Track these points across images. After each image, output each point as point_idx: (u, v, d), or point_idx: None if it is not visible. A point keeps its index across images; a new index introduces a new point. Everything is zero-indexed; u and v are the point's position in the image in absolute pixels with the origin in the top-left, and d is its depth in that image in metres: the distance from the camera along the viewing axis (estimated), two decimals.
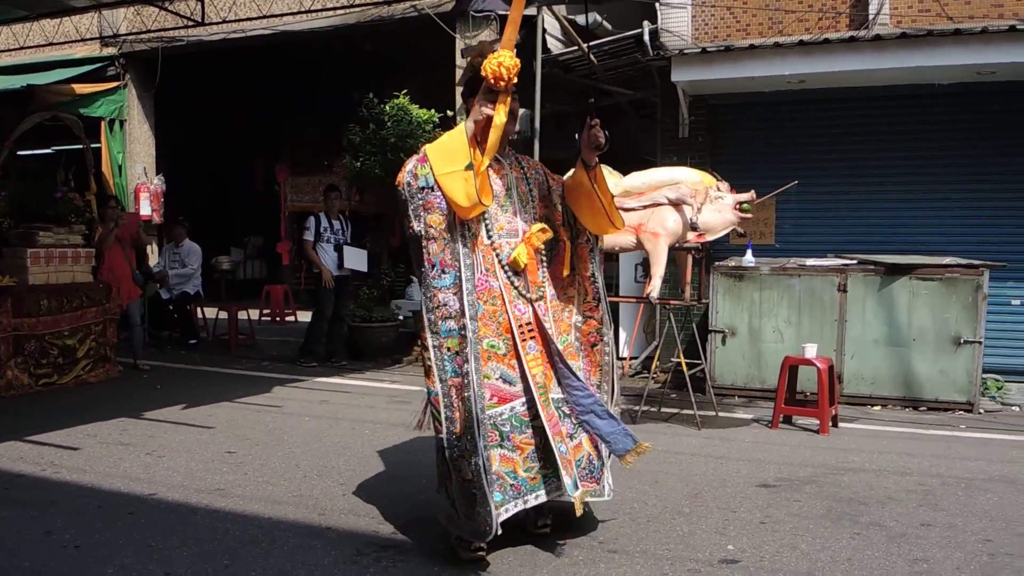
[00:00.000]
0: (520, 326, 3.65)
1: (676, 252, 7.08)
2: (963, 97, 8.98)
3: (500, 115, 3.56)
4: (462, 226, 3.56)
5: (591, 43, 9.39)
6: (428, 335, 3.58)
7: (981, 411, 7.67)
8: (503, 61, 3.52)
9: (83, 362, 8.36)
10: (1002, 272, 8.26)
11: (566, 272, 3.92)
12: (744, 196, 6.65)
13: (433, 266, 3.53)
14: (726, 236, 7.42)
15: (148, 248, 12.10)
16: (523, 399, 3.62)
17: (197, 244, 11.21)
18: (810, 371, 7.05)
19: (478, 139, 3.63)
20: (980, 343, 7.62)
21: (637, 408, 7.24)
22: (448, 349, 3.52)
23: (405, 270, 12.39)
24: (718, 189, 6.70)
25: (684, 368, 7.13)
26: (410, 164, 3.56)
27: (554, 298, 3.89)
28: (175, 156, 13.86)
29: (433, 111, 9.88)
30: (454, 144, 3.56)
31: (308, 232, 9.89)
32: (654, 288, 6.58)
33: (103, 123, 12.00)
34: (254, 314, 12.18)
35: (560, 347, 3.76)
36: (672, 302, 7.78)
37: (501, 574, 3.54)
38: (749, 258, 8.39)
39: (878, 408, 7.81)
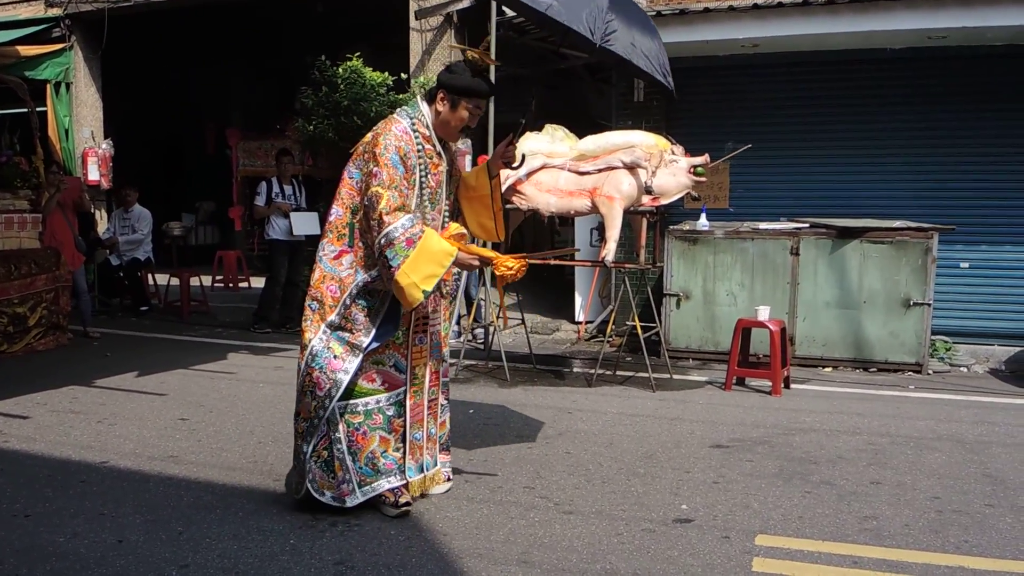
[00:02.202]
0: (417, 320, 3.87)
1: (631, 216, 7.10)
2: (914, 62, 9.07)
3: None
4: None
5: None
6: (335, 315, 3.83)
7: (930, 372, 7.85)
8: (512, 267, 3.87)
9: (34, 330, 8.18)
10: (951, 235, 8.41)
11: None
12: (698, 160, 6.67)
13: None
14: (681, 200, 7.46)
15: (97, 214, 11.83)
16: (404, 387, 3.87)
17: (147, 209, 10.99)
18: (763, 333, 7.15)
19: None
20: (929, 305, 7.78)
21: (593, 371, 7.30)
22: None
23: None
24: (672, 153, 6.71)
25: (639, 331, 7.19)
26: (393, 137, 3.71)
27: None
28: (124, 120, 13.51)
29: (387, 74, 9.73)
30: (432, 263, 3.63)
31: (259, 197, 9.78)
32: (609, 252, 6.59)
33: (49, 86, 11.62)
34: (207, 280, 12.00)
35: (439, 340, 4.09)
36: (627, 266, 7.81)
37: (457, 536, 3.56)
38: (703, 222, 8.45)
39: (829, 369, 7.96)
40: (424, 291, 3.55)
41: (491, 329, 8.11)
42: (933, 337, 8.19)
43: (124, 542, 3.47)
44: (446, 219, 3.96)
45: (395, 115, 3.84)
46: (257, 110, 15.44)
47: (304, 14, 11.94)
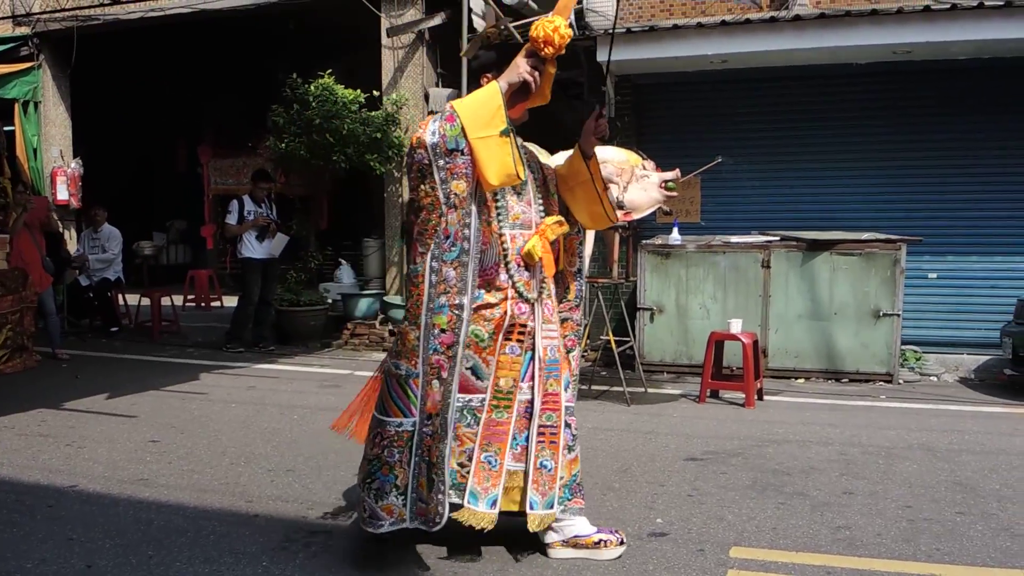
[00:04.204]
0: (512, 325, 3.36)
1: (603, 231, 7.12)
2: (879, 77, 9.22)
3: (540, 82, 3.30)
4: (479, 201, 3.26)
5: (517, 23, 9.34)
6: (423, 312, 3.24)
7: (900, 381, 7.94)
8: (559, 27, 3.19)
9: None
10: (919, 247, 8.52)
11: (562, 266, 3.68)
12: (669, 175, 6.67)
13: (447, 237, 3.18)
14: (652, 214, 7.48)
15: (67, 233, 11.71)
16: (483, 396, 3.35)
17: (117, 228, 10.89)
18: (736, 346, 7.19)
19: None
20: (899, 316, 7.87)
21: None
22: (435, 326, 3.22)
23: (333, 253, 12.23)
24: (644, 168, 6.71)
25: (613, 345, 7.21)
26: (434, 122, 3.15)
27: (552, 295, 3.58)
28: (93, 138, 13.39)
29: (359, 91, 9.74)
30: (487, 105, 3.16)
31: (231, 215, 9.73)
32: (583, 267, 6.60)
33: (17, 105, 11.51)
34: (178, 300, 11.91)
35: (557, 356, 3.48)
36: (600, 280, 7.84)
37: (432, 554, 3.54)
38: (675, 236, 8.50)
39: (802, 381, 8.02)
40: (502, 130, 3.11)
41: None
42: (903, 347, 8.29)
43: (93, 567, 3.42)
44: (541, 215, 3.49)
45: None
46: (229, 128, 15.36)
47: (276, 31, 11.93)
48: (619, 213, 6.67)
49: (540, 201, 3.52)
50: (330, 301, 10.84)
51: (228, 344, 9.72)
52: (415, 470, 3.26)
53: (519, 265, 3.36)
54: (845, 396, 7.31)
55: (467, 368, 3.33)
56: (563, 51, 3.22)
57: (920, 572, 3.38)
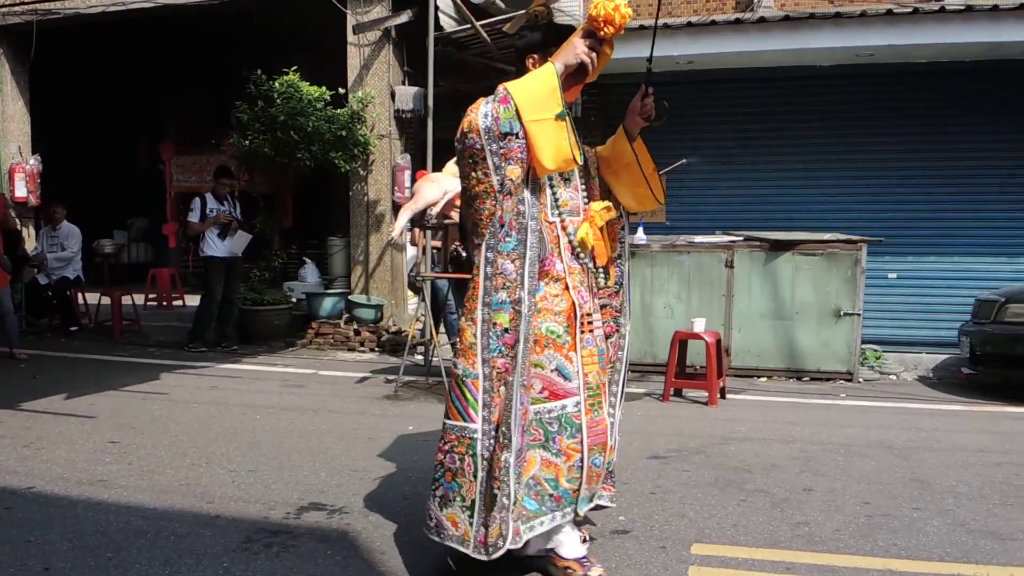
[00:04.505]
0: (582, 316, 3.19)
1: None
2: (842, 79, 9.35)
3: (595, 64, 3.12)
4: (531, 188, 3.10)
5: (483, 21, 9.34)
6: (478, 306, 3.06)
7: (860, 380, 8.05)
8: (619, 5, 3.01)
9: None
10: (879, 247, 8.65)
11: (611, 253, 3.45)
12: None
13: (502, 226, 3.01)
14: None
15: (25, 231, 11.51)
16: (577, 398, 3.13)
17: (76, 226, 10.73)
18: (699, 345, 7.25)
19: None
20: (859, 315, 7.98)
21: None
22: (496, 325, 3.03)
23: (298, 251, 12.15)
24: None
25: None
26: (486, 104, 2.99)
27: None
28: (53, 134, 13.18)
29: (324, 88, 9.68)
30: (542, 87, 3.00)
31: (193, 213, 9.65)
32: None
33: None
34: (139, 299, 11.76)
35: (603, 347, 3.36)
36: None
37: (396, 554, 3.52)
38: (640, 236, 8.55)
39: (764, 379, 8.10)
40: (558, 112, 2.96)
41: (431, 346, 8.07)
42: (863, 346, 8.41)
43: (51, 570, 3.37)
44: (585, 201, 3.34)
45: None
46: (192, 124, 15.20)
47: (240, 27, 11.82)
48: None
49: (583, 186, 3.38)
50: (294, 300, 10.77)
51: (190, 344, 9.62)
52: (481, 486, 3.00)
53: (572, 254, 3.21)
54: (806, 394, 7.40)
55: (552, 370, 3.11)
56: (622, 32, 3.06)
57: (877, 567, 3.43)
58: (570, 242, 3.20)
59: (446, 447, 3.09)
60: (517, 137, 2.95)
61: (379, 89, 10.31)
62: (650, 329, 8.38)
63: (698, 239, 8.52)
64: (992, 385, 7.95)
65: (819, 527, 3.92)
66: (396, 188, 10.31)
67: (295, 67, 9.72)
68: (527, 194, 3.05)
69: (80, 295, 11.03)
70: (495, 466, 2.96)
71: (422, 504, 4.11)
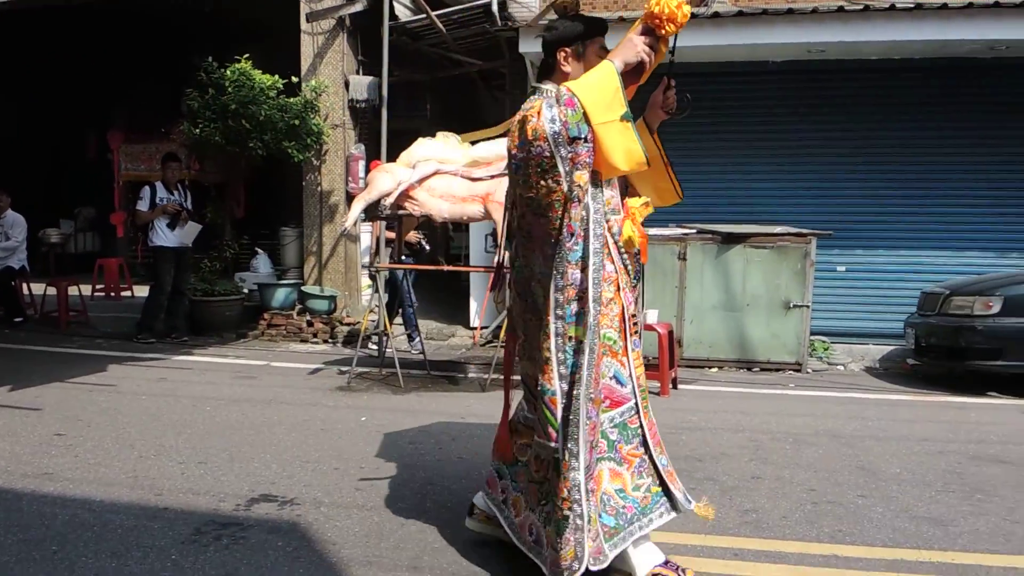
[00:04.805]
0: (628, 318, 3.11)
1: None
2: (794, 75, 9.47)
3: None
4: (595, 191, 2.97)
5: (439, 11, 9.31)
6: (551, 319, 2.94)
7: (809, 371, 8.19)
8: (682, 3, 2.94)
9: None
10: (829, 240, 8.79)
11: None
12: None
13: (572, 234, 2.88)
14: None
15: None
16: (632, 402, 3.08)
17: (21, 215, 10.48)
18: (652, 336, 7.30)
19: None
20: (808, 307, 8.11)
21: (487, 376, 7.33)
22: (572, 338, 2.92)
23: (250, 242, 12.00)
24: None
25: None
26: (549, 108, 2.85)
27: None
28: None
29: (277, 77, 9.56)
30: (605, 87, 2.89)
31: (142, 202, 9.49)
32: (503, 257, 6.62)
33: None
34: (86, 289, 11.51)
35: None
36: None
37: (346, 544, 3.51)
38: None
39: (715, 370, 8.21)
40: (623, 114, 2.88)
41: (384, 337, 8.03)
42: (812, 337, 8.55)
43: None
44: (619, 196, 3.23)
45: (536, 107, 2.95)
46: (141, 112, 14.90)
47: (191, 14, 11.62)
48: None
49: (620, 181, 3.30)
50: (246, 291, 10.65)
51: (139, 335, 9.46)
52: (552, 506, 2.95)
53: (619, 252, 3.12)
54: (756, 385, 7.51)
55: (611, 378, 3.03)
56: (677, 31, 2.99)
57: (822, 552, 3.50)
58: (616, 242, 3.10)
59: (535, 467, 3.11)
60: (585, 141, 2.84)
61: (333, 78, 10.22)
62: None
63: (651, 231, 8.57)
64: (936, 375, 8.15)
65: (767, 514, 3.98)
66: (350, 178, 10.24)
67: (247, 55, 9.59)
68: (590, 199, 2.92)
69: (25, 285, 10.79)
70: (562, 486, 2.88)
71: (375, 494, 4.13)
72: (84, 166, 16.21)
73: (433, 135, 7.15)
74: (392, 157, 7.30)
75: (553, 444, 2.92)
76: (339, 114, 10.30)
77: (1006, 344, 7.23)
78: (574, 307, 2.92)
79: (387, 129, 9.07)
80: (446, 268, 8.73)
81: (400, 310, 9.16)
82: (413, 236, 8.87)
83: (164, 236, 9.45)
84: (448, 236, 13.50)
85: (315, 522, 3.77)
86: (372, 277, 8.35)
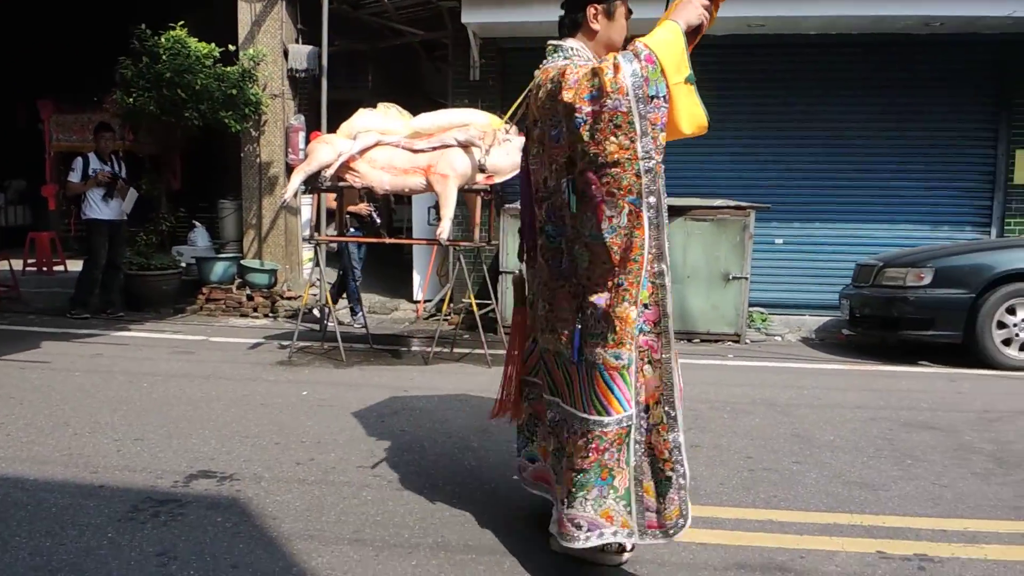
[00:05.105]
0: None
1: (466, 194, 7.14)
2: (734, 49, 9.54)
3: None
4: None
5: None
6: (616, 285, 2.78)
7: (747, 342, 8.33)
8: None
9: None
10: (767, 214, 8.92)
11: None
12: None
13: (639, 196, 2.71)
14: (516, 178, 7.54)
15: None
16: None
17: None
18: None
19: None
20: (747, 279, 8.24)
21: (429, 350, 7.32)
22: (638, 303, 2.81)
23: (187, 214, 11.76)
24: (507, 132, 6.78)
25: (475, 309, 7.25)
26: (629, 63, 2.68)
27: None
28: None
29: (213, 45, 9.34)
30: (674, 48, 2.77)
31: (74, 173, 9.24)
32: (444, 230, 6.60)
33: None
34: (17, 264, 11.18)
35: None
36: (462, 244, 7.86)
37: (287, 519, 3.49)
38: None
39: None
40: (687, 76, 2.81)
41: (327, 310, 7.96)
42: (751, 309, 8.71)
43: None
44: None
45: (560, 64, 2.97)
46: (73, 81, 14.44)
47: None
48: (481, 177, 6.73)
49: None
50: (184, 265, 10.46)
51: (72, 310, 9.23)
52: (636, 472, 2.89)
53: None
54: (696, 355, 7.62)
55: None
56: None
57: (758, 518, 3.58)
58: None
59: (604, 445, 2.83)
60: (664, 101, 2.72)
61: (271, 47, 10.02)
62: None
63: None
64: (870, 345, 8.37)
65: (704, 481, 4.06)
66: (290, 149, 10.08)
67: (182, 22, 9.34)
68: (655, 160, 2.76)
69: None
70: (662, 447, 2.86)
71: (316, 468, 4.10)
72: (13, 137, 15.68)
73: (374, 106, 7.07)
74: (332, 128, 7.20)
75: (631, 411, 2.83)
76: (278, 84, 10.11)
77: (936, 314, 7.44)
78: (642, 271, 2.78)
79: (327, 100, 8.92)
80: (388, 241, 8.66)
81: (345, 284, 9.09)
82: (364, 208, 8.77)
83: (98, 208, 9.21)
84: (390, 209, 13.40)
85: (255, 497, 3.74)
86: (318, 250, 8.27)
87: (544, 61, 3.07)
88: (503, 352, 7.34)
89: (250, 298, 9.80)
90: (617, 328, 2.77)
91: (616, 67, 2.67)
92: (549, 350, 3.03)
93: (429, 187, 6.72)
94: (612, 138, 2.68)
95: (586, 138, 2.71)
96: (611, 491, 2.86)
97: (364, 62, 12.07)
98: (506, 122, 6.89)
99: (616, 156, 2.68)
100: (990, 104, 9.71)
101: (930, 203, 9.78)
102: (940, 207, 9.79)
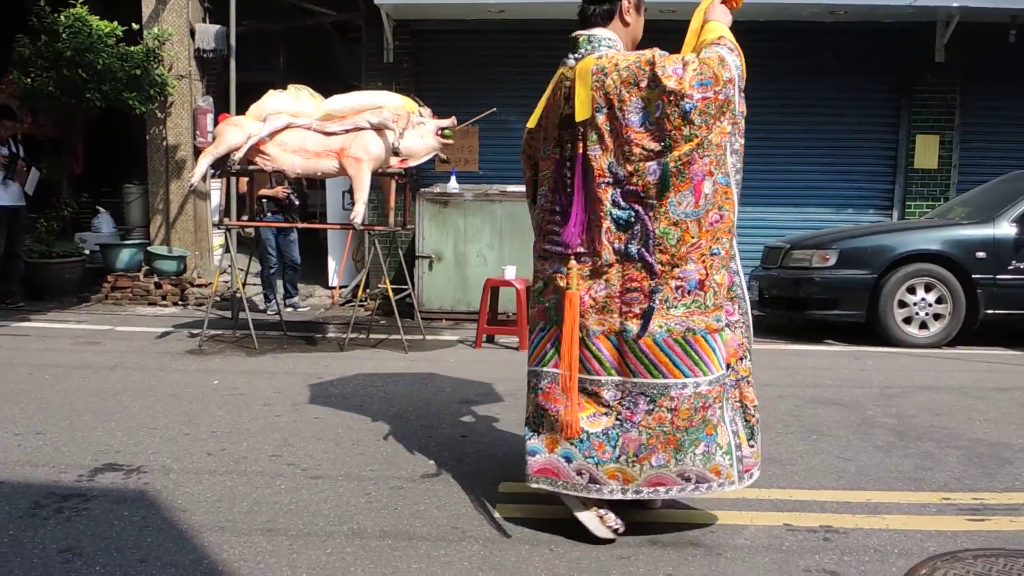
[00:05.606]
0: None
1: (380, 178, 7.05)
2: (658, 34, 9.62)
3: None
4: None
5: None
6: (727, 252, 3.09)
7: None
8: None
9: None
10: None
11: None
12: (445, 122, 6.74)
13: (728, 176, 3.08)
14: (431, 162, 7.51)
15: None
16: None
17: None
18: (510, 292, 7.39)
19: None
20: None
21: (345, 336, 7.24)
22: (730, 270, 3.15)
23: (90, 200, 11.35)
24: (420, 115, 6.73)
25: (390, 294, 7.20)
26: (732, 55, 3.05)
27: None
28: None
29: (116, 24, 9.01)
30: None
31: None
32: (358, 214, 6.53)
33: None
34: None
35: None
36: (377, 228, 7.78)
37: (197, 511, 3.41)
38: (453, 184, 8.57)
39: None
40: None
41: (240, 297, 7.81)
42: None
43: None
44: None
45: (621, 53, 3.11)
46: None
47: None
48: (395, 160, 6.67)
49: None
50: (87, 252, 10.13)
51: None
52: (731, 425, 3.11)
53: None
54: None
55: None
56: None
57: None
58: None
59: (708, 402, 3.00)
60: (743, 93, 3.10)
61: (177, 26, 9.72)
62: (464, 277, 8.46)
63: (511, 188, 8.64)
64: (778, 325, 8.60)
65: None
66: (198, 132, 9.83)
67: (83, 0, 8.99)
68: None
69: None
70: (752, 397, 3.21)
71: (228, 459, 4.02)
72: None
73: (285, 88, 6.93)
74: (242, 110, 7.03)
75: (719, 373, 3.04)
76: (185, 64, 9.83)
77: (841, 294, 7.69)
78: (733, 241, 3.13)
79: (237, 81, 8.71)
80: (302, 226, 8.52)
81: (264, 268, 8.91)
82: (281, 191, 8.58)
83: None
84: (303, 193, 13.16)
85: (164, 490, 3.64)
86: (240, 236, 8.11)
87: (580, 50, 3.17)
88: (420, 337, 7.35)
89: (158, 286, 9.54)
90: (717, 293, 3.02)
91: (722, 59, 2.98)
92: (601, 331, 3.08)
93: (342, 171, 6.63)
94: (718, 123, 2.97)
95: (697, 123, 2.93)
96: (717, 448, 3.06)
97: (275, 43, 11.82)
98: (420, 105, 6.83)
99: (719, 139, 2.99)
100: (892, 91, 10.07)
101: (835, 187, 10.09)
102: (845, 191, 10.12)
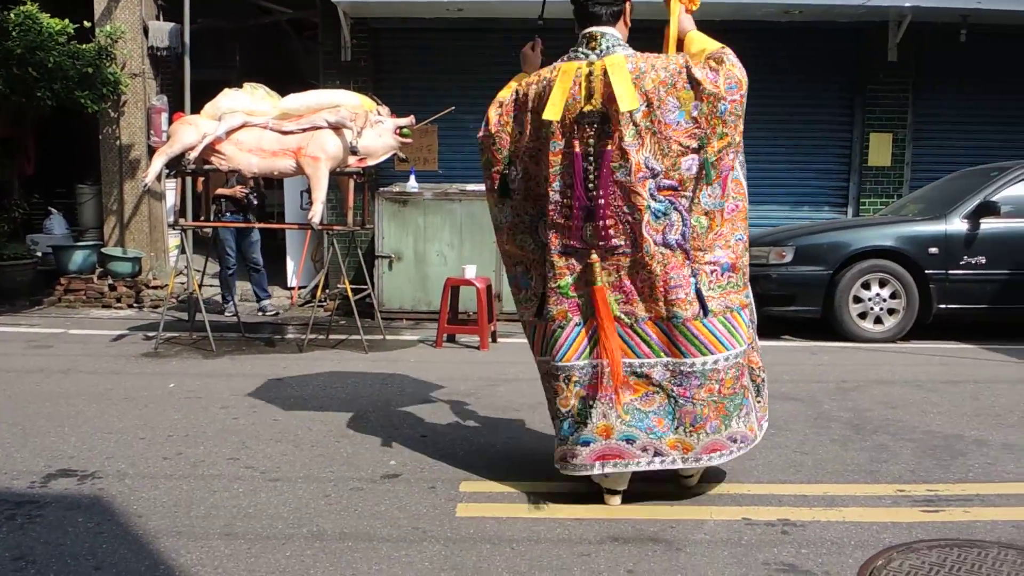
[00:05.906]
0: None
1: (337, 177, 7.00)
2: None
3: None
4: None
5: None
6: (748, 236, 3.53)
7: None
8: None
9: None
10: None
11: None
12: (404, 121, 6.71)
13: (735, 171, 3.48)
14: (390, 161, 7.47)
15: None
16: None
17: None
18: (471, 291, 7.38)
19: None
20: None
21: (304, 337, 7.18)
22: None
23: (42, 200, 11.14)
24: (378, 113, 6.69)
25: (350, 294, 7.16)
26: (736, 65, 3.37)
27: None
28: None
29: (67, 21, 8.84)
30: None
31: None
32: (316, 213, 6.47)
33: None
34: None
35: None
36: (336, 228, 7.73)
37: (153, 516, 3.36)
38: (413, 183, 8.54)
39: None
40: None
41: (196, 298, 7.70)
42: None
43: None
44: None
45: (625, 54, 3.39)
46: None
47: None
48: (353, 159, 6.62)
49: None
50: (39, 254, 9.94)
51: None
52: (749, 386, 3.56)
53: None
54: None
55: None
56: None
57: (631, 491, 3.66)
58: None
59: (743, 369, 3.47)
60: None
61: (130, 24, 9.57)
62: (424, 276, 8.44)
63: (470, 187, 8.62)
64: None
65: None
66: (152, 131, 9.69)
67: None
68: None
69: None
70: (755, 364, 3.65)
71: (184, 463, 3.97)
72: None
73: (241, 86, 6.85)
74: (196, 109, 6.95)
75: (750, 342, 3.51)
76: (138, 62, 9.68)
77: (797, 291, 7.78)
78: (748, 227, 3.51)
79: (192, 80, 8.59)
80: (259, 226, 8.44)
81: (224, 270, 8.79)
82: (239, 191, 8.45)
83: None
84: (261, 192, 13.03)
85: (119, 495, 3.59)
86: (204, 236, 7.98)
87: (597, 48, 3.42)
88: (380, 337, 7.32)
89: (113, 288, 9.38)
90: (746, 273, 3.44)
91: (739, 67, 3.34)
92: (648, 317, 3.33)
93: (300, 170, 6.57)
94: (739, 123, 3.34)
95: (730, 122, 3.29)
96: (751, 408, 3.51)
97: (231, 41, 11.67)
98: (378, 104, 6.79)
99: (737, 137, 3.34)
100: (846, 90, 10.22)
101: (790, 185, 10.22)
102: (800, 188, 10.25)
